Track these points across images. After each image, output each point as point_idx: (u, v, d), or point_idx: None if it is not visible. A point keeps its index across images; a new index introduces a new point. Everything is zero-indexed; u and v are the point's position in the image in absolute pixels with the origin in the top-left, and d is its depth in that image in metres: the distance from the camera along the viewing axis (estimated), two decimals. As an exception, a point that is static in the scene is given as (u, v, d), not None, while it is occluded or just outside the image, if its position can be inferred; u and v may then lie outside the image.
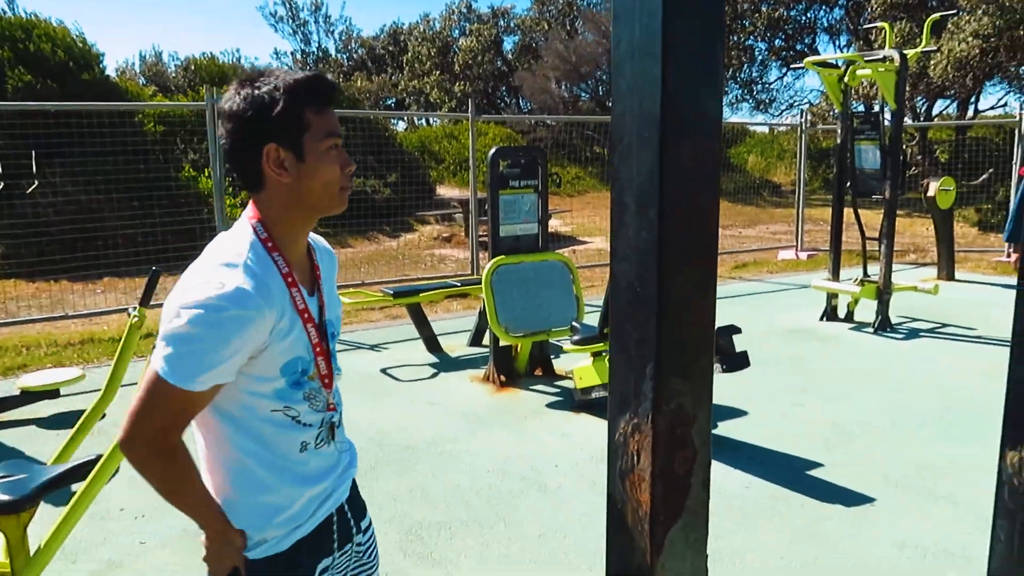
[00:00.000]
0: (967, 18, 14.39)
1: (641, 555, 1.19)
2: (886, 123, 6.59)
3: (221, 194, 7.09)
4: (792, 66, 9.83)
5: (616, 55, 1.12)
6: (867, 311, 6.98)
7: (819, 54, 21.65)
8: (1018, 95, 17.68)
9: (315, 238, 1.59)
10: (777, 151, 22.58)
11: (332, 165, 1.36)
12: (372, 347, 6.28)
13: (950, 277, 9.22)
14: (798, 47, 21.53)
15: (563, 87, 23.52)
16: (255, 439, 1.39)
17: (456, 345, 6.23)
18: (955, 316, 7.15)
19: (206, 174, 11.45)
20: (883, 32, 7.72)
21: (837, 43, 21.69)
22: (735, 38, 21.23)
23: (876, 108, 6.95)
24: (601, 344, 4.45)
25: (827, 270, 7.33)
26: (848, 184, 6.90)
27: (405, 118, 26.25)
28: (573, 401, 4.76)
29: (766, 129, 24.42)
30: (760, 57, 22.22)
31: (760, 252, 11.84)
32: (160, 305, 1.49)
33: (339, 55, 26.59)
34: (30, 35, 11.23)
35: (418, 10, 45.62)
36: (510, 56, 25.79)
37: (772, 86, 23.10)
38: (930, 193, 8.95)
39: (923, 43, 6.58)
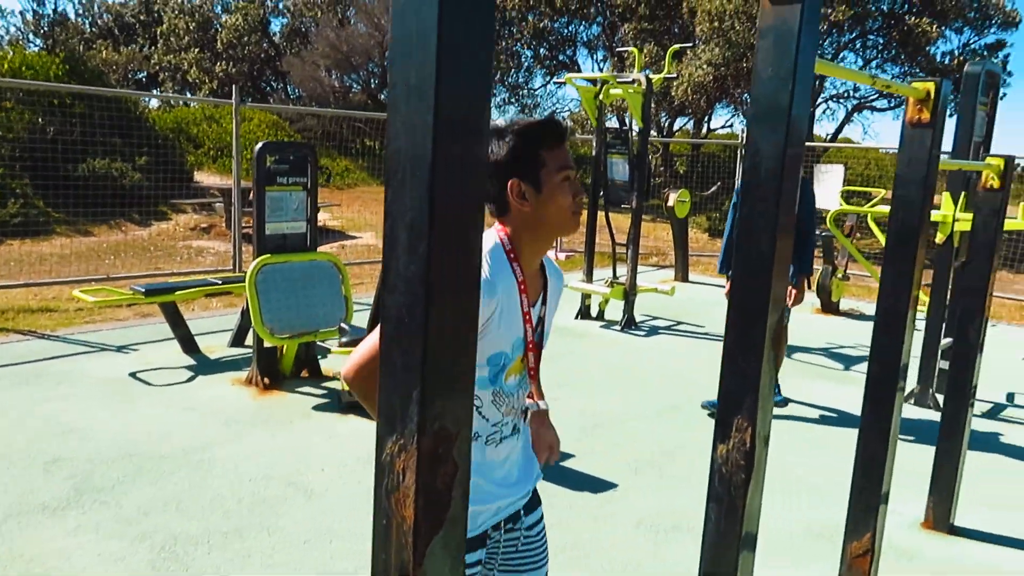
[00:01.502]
0: (703, 48, 16.18)
1: (404, 566, 1.27)
2: (634, 139, 7.26)
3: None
4: (555, 80, 10.51)
5: (392, 95, 1.18)
6: (616, 310, 7.65)
7: (579, 66, 23.15)
8: (741, 118, 20.17)
9: (549, 260, 1.85)
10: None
11: (565, 195, 1.63)
12: (119, 348, 5.77)
13: (685, 279, 10.35)
14: (560, 57, 22.86)
15: (333, 76, 23.01)
16: None
17: (216, 346, 5.92)
18: (688, 314, 8.06)
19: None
20: (633, 55, 8.49)
21: (595, 57, 23.32)
22: (504, 43, 22.08)
23: (626, 124, 7.61)
24: (370, 345, 4.48)
25: (582, 271, 7.91)
26: (601, 193, 7.51)
27: (159, 96, 24.22)
28: (341, 403, 4.74)
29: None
30: (526, 64, 23.31)
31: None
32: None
33: (80, 19, 23.85)
34: None
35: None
36: (277, 39, 24.73)
37: (537, 92, 24.32)
38: (669, 203, 9.99)
39: (666, 69, 7.33)
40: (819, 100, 18.23)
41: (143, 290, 5.42)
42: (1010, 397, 5.80)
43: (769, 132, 1.80)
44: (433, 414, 1.23)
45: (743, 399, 2.00)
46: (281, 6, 24.71)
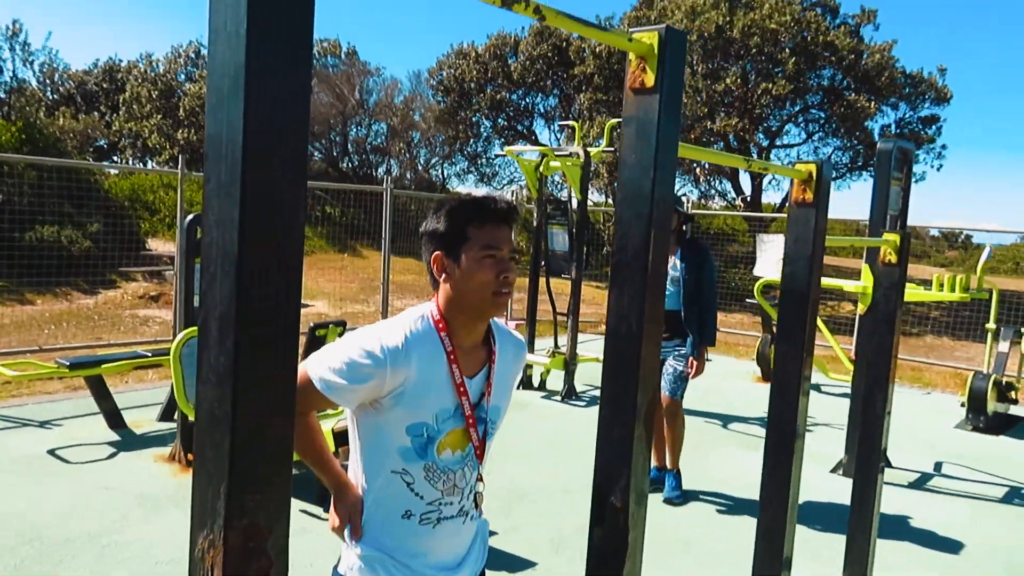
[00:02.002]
0: (652, 119, 16.68)
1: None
2: (574, 210, 7.40)
3: None
4: (496, 154, 10.77)
5: (206, 191, 1.20)
6: (559, 380, 7.65)
7: (536, 136, 23.71)
8: (691, 187, 20.68)
9: (511, 332, 1.87)
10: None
11: (486, 272, 1.62)
12: (42, 424, 5.61)
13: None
14: (519, 127, 23.40)
15: (294, 145, 23.21)
16: (373, 477, 1.68)
17: (144, 420, 5.78)
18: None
19: None
20: (587, 120, 8.80)
21: (552, 128, 23.91)
22: (463, 113, 22.56)
23: (567, 196, 7.77)
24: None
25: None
26: (542, 263, 7.60)
27: (119, 162, 24.20)
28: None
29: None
30: (485, 134, 23.79)
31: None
32: None
33: (40, 87, 23.86)
34: None
35: (139, 49, 42.57)
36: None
37: (495, 161, 24.77)
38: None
39: (604, 142, 7.53)
40: (809, 160, 18.84)
41: (68, 363, 5.31)
42: (938, 466, 5.88)
43: (634, 215, 1.86)
44: (242, 509, 1.21)
45: (618, 479, 2.01)
46: (244, 76, 25.00)
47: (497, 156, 23.95)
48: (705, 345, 4.81)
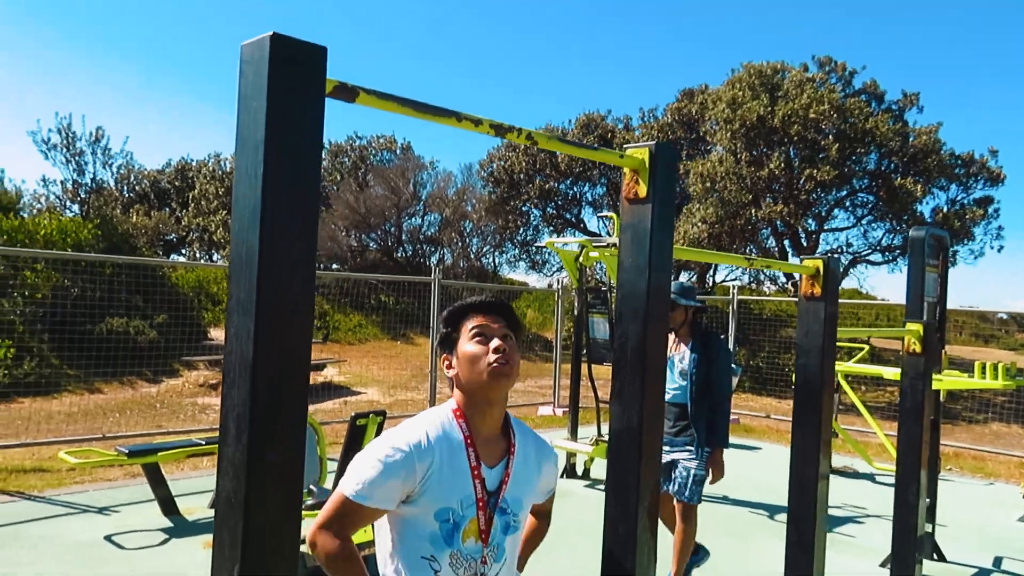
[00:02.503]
0: (697, 206, 16.90)
1: None
2: (613, 299, 7.53)
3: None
4: (535, 245, 11.03)
5: (228, 305, 1.40)
6: (603, 468, 7.62)
7: (585, 224, 24.12)
8: (741, 272, 20.61)
9: (536, 435, 1.97)
10: (552, 308, 24.35)
11: (475, 345, 1.78)
12: (100, 510, 5.85)
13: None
14: (567, 216, 23.86)
15: (352, 236, 24.07)
16: (404, 566, 1.75)
17: (196, 507, 5.97)
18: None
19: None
20: (615, 219, 8.89)
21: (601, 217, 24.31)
22: (513, 203, 23.16)
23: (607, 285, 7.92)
24: (334, 507, 4.54)
25: (567, 428, 7.96)
26: (584, 351, 7.71)
27: (186, 255, 25.38)
28: (306, 567, 4.73)
29: (545, 284, 26.35)
30: (535, 222, 24.31)
31: (524, 407, 12.52)
32: None
33: (117, 187, 25.47)
34: None
35: (208, 149, 45.24)
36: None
37: (544, 249, 25.16)
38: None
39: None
40: (816, 256, 18.69)
41: (127, 451, 5.57)
42: (997, 562, 5.63)
43: (632, 312, 2.00)
44: None
45: (623, 570, 2.08)
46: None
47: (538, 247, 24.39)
48: (719, 447, 4.45)
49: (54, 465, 7.20)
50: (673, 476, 4.51)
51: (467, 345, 1.81)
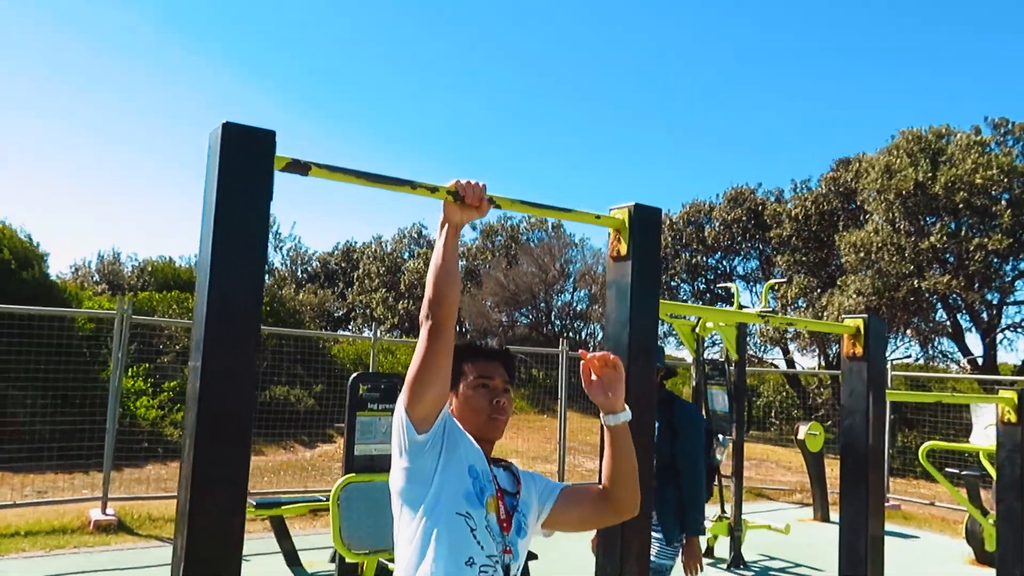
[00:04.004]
0: (852, 278, 16.05)
1: None
2: (731, 371, 7.36)
3: (116, 399, 7.42)
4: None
5: (191, 345, 1.66)
6: (726, 547, 7.29)
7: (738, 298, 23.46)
8: (908, 346, 19.15)
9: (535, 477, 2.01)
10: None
11: (479, 399, 1.90)
12: (234, 558, 6.36)
13: (824, 518, 9.63)
14: (716, 290, 23.33)
15: (501, 312, 24.81)
16: (437, 524, 1.76)
17: (318, 561, 6.36)
18: (811, 557, 7.49)
19: (129, 374, 11.78)
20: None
21: (753, 290, 23.58)
22: (664, 278, 23.05)
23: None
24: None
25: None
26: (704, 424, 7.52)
27: (351, 330, 27.11)
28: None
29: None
30: (684, 297, 23.95)
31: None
32: None
33: (288, 268, 27.99)
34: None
35: (373, 231, 48.68)
36: (455, 280, 27.34)
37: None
38: (799, 436, 9.63)
39: (762, 303, 7.53)
40: (996, 331, 17.08)
41: (255, 503, 6.07)
42: None
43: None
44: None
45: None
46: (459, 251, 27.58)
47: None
48: (693, 536, 3.76)
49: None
50: None
51: (472, 392, 1.93)
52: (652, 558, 3.54)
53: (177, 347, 14.02)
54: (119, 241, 48.41)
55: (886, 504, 4.99)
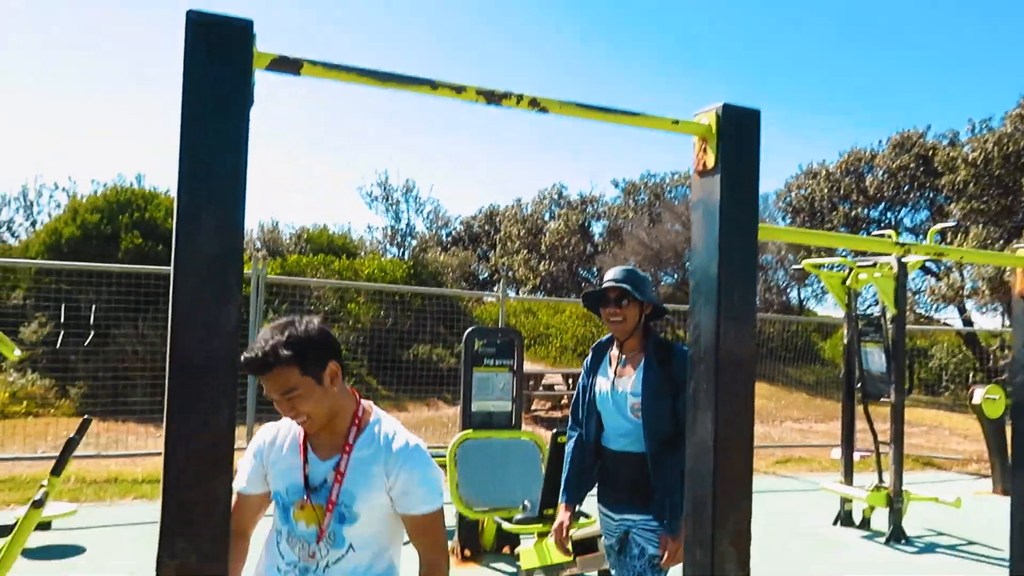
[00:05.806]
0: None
1: None
2: (888, 326, 6.59)
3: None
4: (792, 267, 9.92)
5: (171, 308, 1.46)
6: (885, 518, 6.63)
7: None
8: None
9: (392, 437, 2.02)
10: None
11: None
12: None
13: (1006, 492, 8.59)
14: (881, 244, 21.54)
15: (645, 271, 24.19)
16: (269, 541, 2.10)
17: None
18: (986, 534, 6.66)
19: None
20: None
21: (924, 242, 21.56)
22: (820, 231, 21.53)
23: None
24: (541, 525, 4.52)
25: (840, 472, 7.07)
26: (858, 385, 6.82)
27: (495, 291, 27.42)
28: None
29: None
30: (843, 253, 22.28)
31: (817, 448, 11.47)
32: None
33: (429, 230, 28.78)
34: (147, 205, 12.89)
35: (513, 195, 48.85)
36: (598, 240, 26.95)
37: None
38: (975, 401, 8.58)
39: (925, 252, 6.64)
40: None
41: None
42: None
43: (704, 304, 1.75)
44: (176, 550, 1.36)
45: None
46: (601, 210, 27.08)
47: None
48: (680, 520, 2.74)
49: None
50: (626, 557, 2.99)
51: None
52: (655, 553, 2.85)
53: (325, 308, 14.62)
54: (277, 212, 51.33)
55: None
